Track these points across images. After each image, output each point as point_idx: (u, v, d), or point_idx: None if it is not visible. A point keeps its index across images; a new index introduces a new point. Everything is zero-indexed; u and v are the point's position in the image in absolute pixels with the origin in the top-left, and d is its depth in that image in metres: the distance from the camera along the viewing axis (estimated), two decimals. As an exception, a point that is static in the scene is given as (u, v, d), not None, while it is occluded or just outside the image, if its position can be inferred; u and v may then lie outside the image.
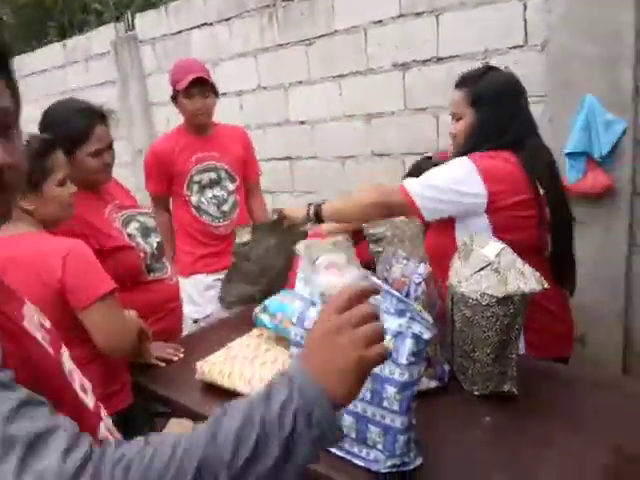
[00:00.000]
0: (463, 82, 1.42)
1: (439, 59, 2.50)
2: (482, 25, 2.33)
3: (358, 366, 0.53)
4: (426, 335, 0.89)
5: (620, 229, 2.06)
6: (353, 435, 0.97)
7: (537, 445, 0.98)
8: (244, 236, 1.55)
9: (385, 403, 0.91)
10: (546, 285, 1.04)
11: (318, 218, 1.51)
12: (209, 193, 2.19)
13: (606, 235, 2.07)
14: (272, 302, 1.36)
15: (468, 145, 1.39)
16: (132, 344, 1.33)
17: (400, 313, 0.92)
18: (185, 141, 2.17)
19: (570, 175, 2.06)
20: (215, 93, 2.13)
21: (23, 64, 5.61)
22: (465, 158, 1.34)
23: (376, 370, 0.90)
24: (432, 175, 1.37)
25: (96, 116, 1.51)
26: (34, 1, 7.00)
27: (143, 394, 1.40)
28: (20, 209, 1.22)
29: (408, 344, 0.89)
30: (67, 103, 1.59)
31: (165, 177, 2.20)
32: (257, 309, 1.37)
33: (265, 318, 1.34)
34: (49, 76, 5.22)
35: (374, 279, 1.04)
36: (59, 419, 0.49)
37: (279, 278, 1.65)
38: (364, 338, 0.54)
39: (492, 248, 1.16)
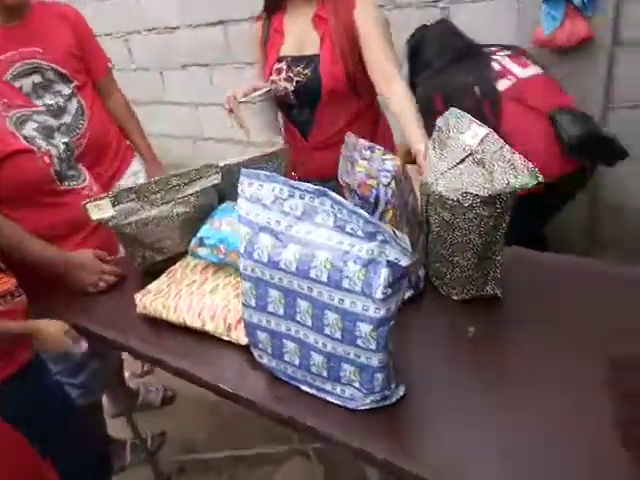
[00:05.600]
0: None
1: None
2: None
3: None
4: (404, 262, 0.72)
5: (597, 86, 1.87)
6: (325, 374, 0.84)
7: (531, 357, 0.88)
8: (105, 210, 1.11)
9: (359, 342, 0.77)
10: (541, 178, 0.86)
11: None
12: (38, 103, 1.54)
13: (583, 93, 1.87)
14: (207, 231, 1.13)
15: None
16: None
17: (370, 236, 0.74)
18: None
19: (546, 24, 1.80)
20: None
21: None
22: None
23: (346, 305, 0.75)
24: None
25: None
26: None
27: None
28: None
29: (383, 274, 0.73)
30: None
31: None
32: (192, 244, 1.14)
33: (205, 252, 1.12)
34: None
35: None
36: None
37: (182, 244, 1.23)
38: None
39: (473, 133, 0.95)
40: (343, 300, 0.75)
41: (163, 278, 1.19)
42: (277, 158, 1.26)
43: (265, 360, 0.93)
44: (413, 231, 1.08)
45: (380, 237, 0.73)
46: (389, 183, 0.98)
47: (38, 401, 1.25)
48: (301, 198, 0.81)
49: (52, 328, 1.13)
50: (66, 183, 1.35)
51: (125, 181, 1.82)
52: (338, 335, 0.78)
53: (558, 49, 1.86)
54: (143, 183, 1.13)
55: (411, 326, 1.00)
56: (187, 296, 1.10)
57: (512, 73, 1.63)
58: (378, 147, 1.11)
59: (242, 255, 0.85)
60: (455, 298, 1.06)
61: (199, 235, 1.15)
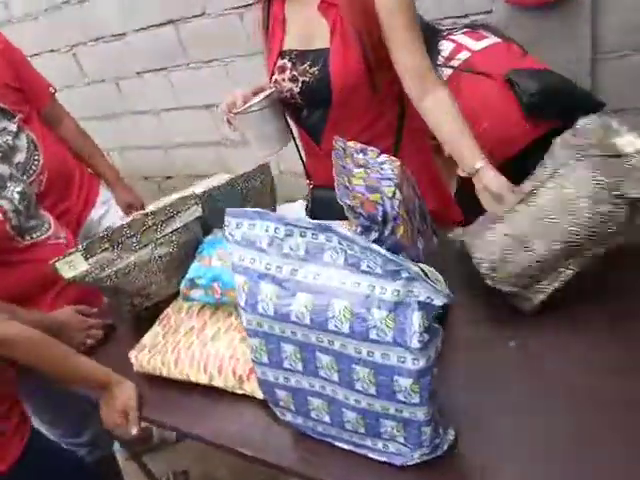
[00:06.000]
0: None
1: None
2: None
3: None
4: (438, 300, 0.61)
5: (582, 39, 1.75)
6: (362, 430, 0.73)
7: (584, 371, 0.78)
8: (77, 266, 0.97)
9: (399, 396, 0.66)
10: None
11: None
12: None
13: (567, 48, 1.76)
14: (197, 271, 1.00)
15: None
16: None
17: (392, 274, 0.62)
18: None
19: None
20: None
21: None
22: None
23: (377, 358, 0.64)
24: None
25: None
26: None
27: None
28: None
29: (416, 318, 0.61)
30: None
31: None
32: (182, 287, 1.02)
33: (198, 294, 1.00)
34: None
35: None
36: None
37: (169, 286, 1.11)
38: None
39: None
40: (373, 353, 0.64)
41: (157, 328, 1.07)
42: (258, 176, 1.13)
43: (289, 417, 0.82)
44: (428, 239, 0.97)
45: (404, 274, 0.62)
46: (394, 194, 0.86)
47: (49, 471, 1.15)
48: (302, 236, 0.69)
49: (121, 399, 0.98)
50: (28, 237, 1.21)
51: (97, 211, 1.66)
52: (372, 391, 0.67)
53: (535, 4, 1.73)
54: (115, 228, 1.00)
55: (445, 349, 0.89)
56: (187, 347, 0.98)
57: (467, 48, 1.52)
58: (370, 148, 0.99)
59: (244, 309, 0.73)
60: (488, 282, 0.90)
61: (189, 276, 1.03)
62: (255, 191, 1.12)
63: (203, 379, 0.94)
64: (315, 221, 0.67)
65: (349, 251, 0.66)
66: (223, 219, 1.11)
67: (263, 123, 1.12)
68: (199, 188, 1.13)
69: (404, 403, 0.66)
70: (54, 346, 1.00)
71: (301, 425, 0.81)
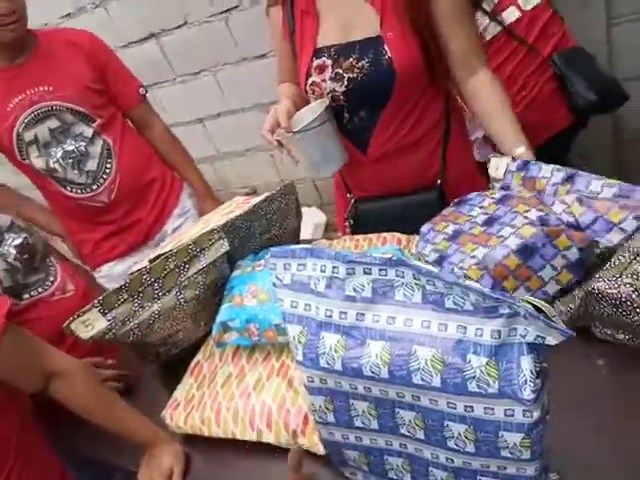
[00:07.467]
0: None
1: None
2: None
3: None
4: (551, 338, 0.50)
5: (597, 3, 1.65)
6: (453, 489, 0.63)
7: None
8: (95, 324, 0.84)
9: (505, 453, 0.55)
10: None
11: None
12: (57, 152, 1.35)
13: (583, 12, 1.66)
14: (230, 312, 0.89)
15: None
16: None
17: (487, 312, 0.51)
18: None
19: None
20: None
21: None
22: None
23: (477, 414, 0.53)
24: None
25: None
26: None
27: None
28: None
29: (525, 364, 0.50)
30: None
31: None
32: (215, 334, 0.90)
33: (233, 338, 0.89)
34: None
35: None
36: None
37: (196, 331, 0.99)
38: None
39: None
40: (471, 408, 0.53)
41: (189, 380, 0.95)
42: (282, 197, 1.01)
43: (360, 477, 0.71)
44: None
45: (504, 310, 0.51)
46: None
47: None
48: (367, 273, 0.58)
49: (166, 463, 0.86)
50: (27, 295, 1.09)
51: (172, 224, 1.57)
52: (470, 448, 0.56)
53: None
54: (133, 276, 0.88)
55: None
56: (228, 401, 0.87)
57: (516, 4, 1.41)
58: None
59: (302, 364, 0.62)
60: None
61: (220, 319, 0.91)
62: (280, 213, 1.01)
63: (250, 436, 0.83)
64: (382, 255, 0.56)
65: (428, 286, 0.55)
66: (247, 250, 1.03)
67: (326, 138, 0.99)
68: (217, 218, 1.02)
69: (511, 459, 0.55)
70: (103, 387, 0.92)
71: (377, 485, 0.70)
